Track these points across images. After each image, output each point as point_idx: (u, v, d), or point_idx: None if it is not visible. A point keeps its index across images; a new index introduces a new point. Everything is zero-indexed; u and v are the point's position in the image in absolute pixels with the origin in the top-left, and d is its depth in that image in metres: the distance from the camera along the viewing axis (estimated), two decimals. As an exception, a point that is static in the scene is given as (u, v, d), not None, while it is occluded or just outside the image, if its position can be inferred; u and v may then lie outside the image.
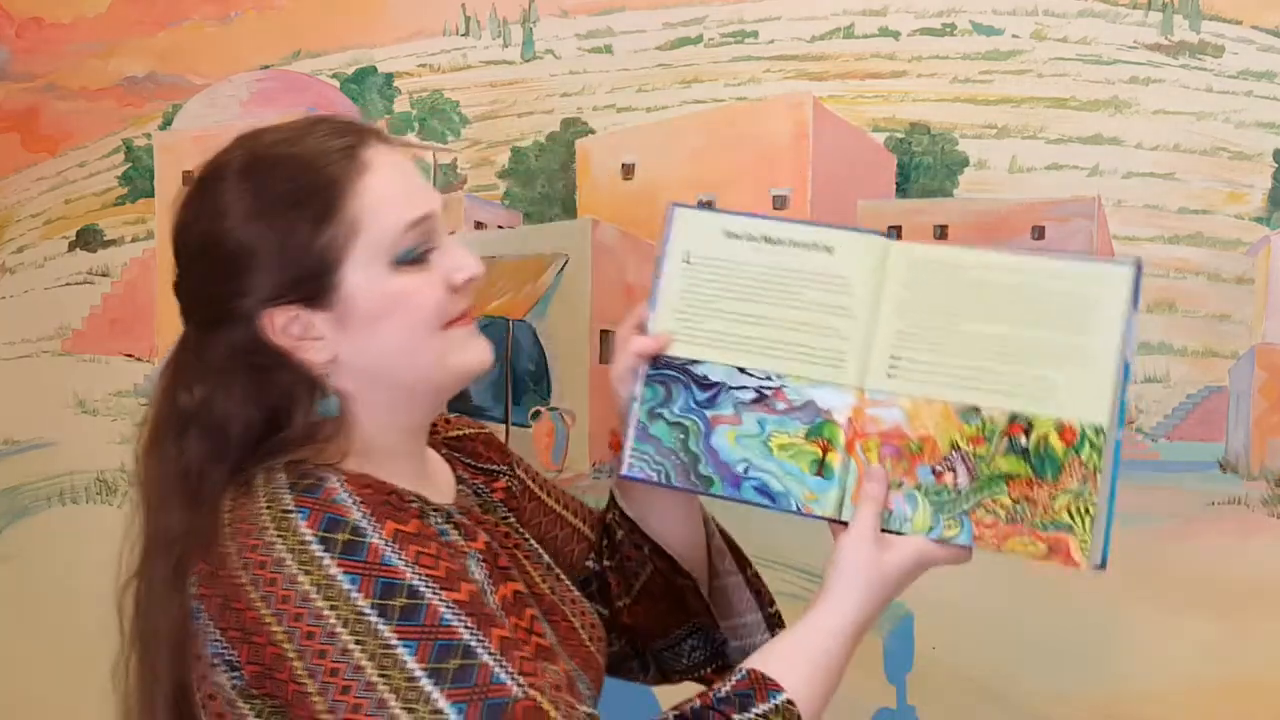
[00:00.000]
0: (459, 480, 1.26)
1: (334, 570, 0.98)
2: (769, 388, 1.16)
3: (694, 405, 1.18)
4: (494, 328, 2.05)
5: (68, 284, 2.36)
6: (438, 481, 1.22)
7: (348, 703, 0.96)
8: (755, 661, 1.08)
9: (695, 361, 1.18)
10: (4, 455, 2.39)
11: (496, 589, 1.10)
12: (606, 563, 1.35)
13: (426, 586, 0.99)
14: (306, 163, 1.08)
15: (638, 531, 1.31)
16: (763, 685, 1.05)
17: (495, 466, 1.32)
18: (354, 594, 0.98)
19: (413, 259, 1.09)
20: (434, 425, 1.31)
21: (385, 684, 0.96)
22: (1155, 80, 1.82)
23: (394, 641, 0.97)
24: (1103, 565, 1.07)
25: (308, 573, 0.99)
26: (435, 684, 0.95)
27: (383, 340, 1.10)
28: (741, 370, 1.17)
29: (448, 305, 1.11)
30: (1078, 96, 1.84)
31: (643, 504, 1.30)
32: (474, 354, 1.14)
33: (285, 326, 1.08)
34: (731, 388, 1.17)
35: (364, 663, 0.96)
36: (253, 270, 1.07)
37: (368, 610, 0.97)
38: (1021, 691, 1.87)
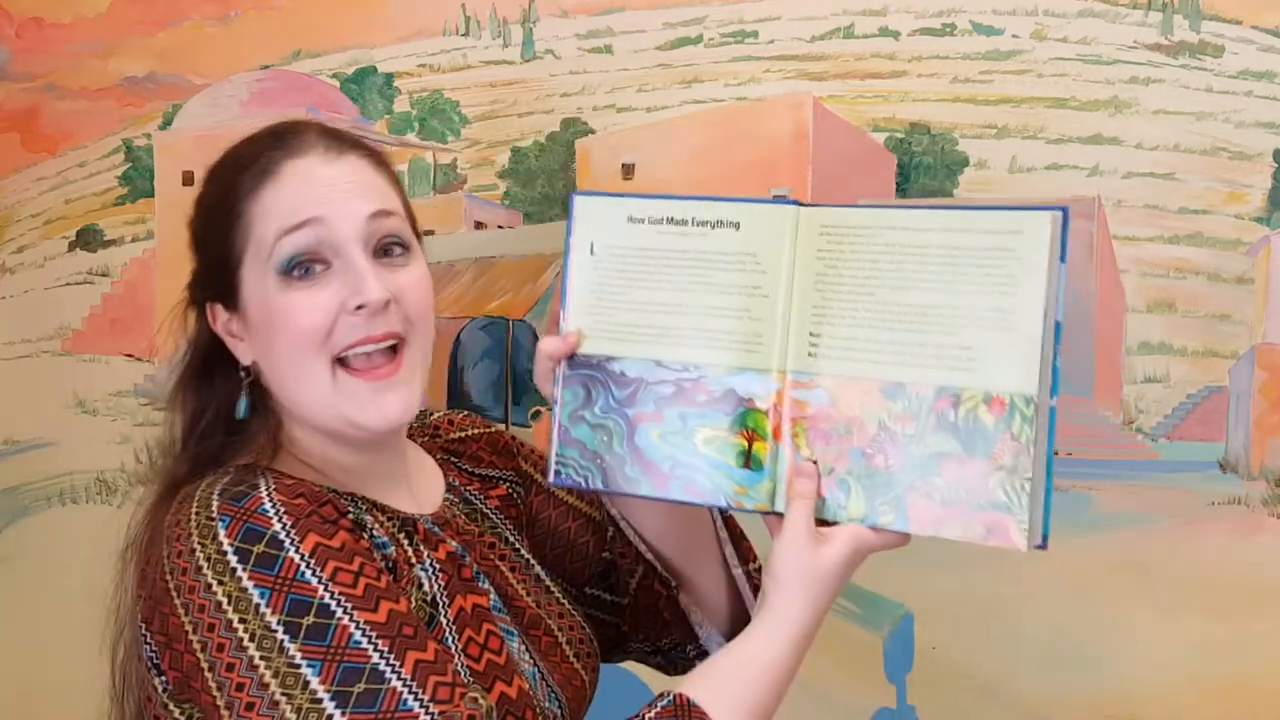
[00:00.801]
0: (449, 488, 1.23)
1: (247, 583, 0.97)
2: (688, 380, 1.10)
3: (614, 404, 1.12)
4: (494, 328, 2.05)
5: (68, 284, 2.36)
6: (419, 489, 1.20)
7: (251, 719, 0.95)
8: (687, 684, 1.03)
9: (611, 358, 1.12)
10: (4, 455, 2.39)
11: (452, 601, 1.09)
12: (614, 555, 1.32)
13: (339, 606, 0.97)
14: (231, 171, 1.11)
15: (624, 531, 1.28)
16: (686, 713, 1.00)
17: (495, 472, 1.29)
18: (264, 609, 0.96)
19: (302, 273, 1.07)
20: (436, 428, 1.29)
21: (288, 703, 0.94)
22: (1155, 80, 1.82)
23: (299, 660, 0.95)
24: (1043, 545, 1.00)
25: (221, 583, 0.97)
26: (338, 707, 0.93)
27: (275, 357, 1.09)
28: (658, 364, 1.11)
29: (330, 329, 1.07)
30: (1078, 96, 1.85)
31: (622, 501, 1.25)
32: (369, 412, 1.09)
33: (224, 322, 1.12)
34: (650, 383, 1.11)
35: (269, 680, 0.95)
36: (196, 262, 1.15)
37: (276, 626, 0.96)
38: (1021, 691, 1.87)
